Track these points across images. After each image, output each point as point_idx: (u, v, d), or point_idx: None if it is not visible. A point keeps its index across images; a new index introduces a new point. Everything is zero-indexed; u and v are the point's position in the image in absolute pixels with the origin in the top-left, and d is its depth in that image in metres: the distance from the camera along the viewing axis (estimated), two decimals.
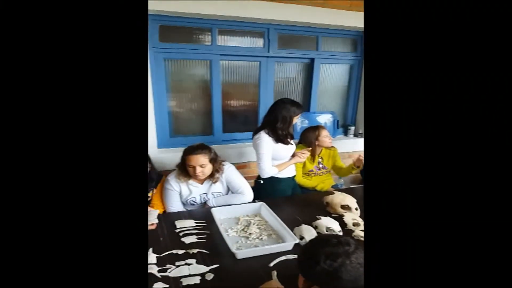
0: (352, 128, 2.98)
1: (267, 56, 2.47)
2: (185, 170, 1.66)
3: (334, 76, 2.85)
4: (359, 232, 1.40)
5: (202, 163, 1.61)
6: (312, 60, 2.66)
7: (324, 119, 2.80)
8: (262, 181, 1.89)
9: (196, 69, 2.35)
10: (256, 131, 1.88)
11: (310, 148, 2.07)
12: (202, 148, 1.65)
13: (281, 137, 1.83)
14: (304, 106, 2.79)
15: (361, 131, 2.96)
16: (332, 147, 2.25)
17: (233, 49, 2.36)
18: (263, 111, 2.40)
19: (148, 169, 1.72)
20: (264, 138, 1.79)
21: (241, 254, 1.20)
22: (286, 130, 1.86)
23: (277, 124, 1.81)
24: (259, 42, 2.44)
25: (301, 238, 1.31)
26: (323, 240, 0.80)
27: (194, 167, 1.61)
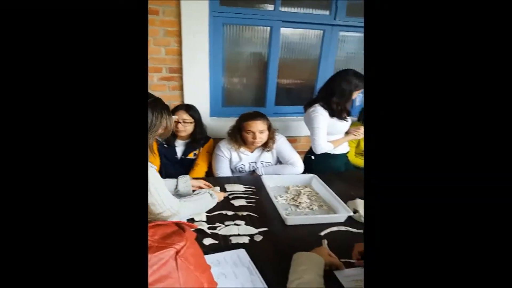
0: None
1: (333, 25, 2.31)
2: (237, 137, 1.66)
3: None
4: None
5: (261, 129, 1.61)
6: None
7: None
8: (313, 157, 1.81)
9: (255, 37, 2.26)
10: (309, 104, 1.77)
11: (361, 127, 1.89)
12: (261, 115, 1.64)
13: (336, 112, 1.70)
14: None
15: None
16: None
17: (297, 15, 2.22)
18: (321, 85, 2.29)
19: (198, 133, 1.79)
20: (320, 111, 1.68)
21: (291, 220, 1.16)
22: (342, 105, 1.72)
23: (333, 97, 1.68)
24: (325, 12, 2.29)
25: (355, 211, 1.23)
26: None
27: (254, 133, 1.60)
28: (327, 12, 2.28)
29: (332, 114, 1.70)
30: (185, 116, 1.72)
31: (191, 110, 1.76)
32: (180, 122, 1.71)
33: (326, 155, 1.77)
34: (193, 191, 1.31)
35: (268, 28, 2.23)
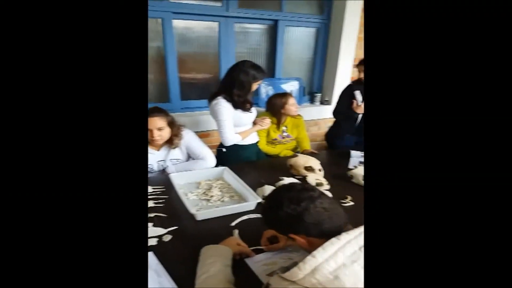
0: (319, 95, 2.96)
1: (227, 16, 2.32)
2: None
3: (299, 40, 2.77)
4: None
5: (159, 125, 1.50)
6: (276, 22, 2.55)
7: (290, 86, 2.75)
8: (224, 149, 1.82)
9: (149, 30, 2.14)
10: (212, 97, 1.74)
11: (267, 117, 1.95)
12: (158, 111, 1.53)
13: (239, 104, 1.71)
14: (269, 72, 2.71)
15: (327, 98, 2.95)
16: (298, 115, 2.21)
17: (187, 6, 2.17)
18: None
19: None
20: (223, 104, 1.67)
21: (200, 215, 1.15)
22: (243, 97, 1.72)
23: (234, 89, 1.67)
24: (217, 3, 2.28)
25: (264, 198, 1.28)
26: (288, 186, 0.77)
27: (151, 130, 1.50)
28: (219, 4, 2.29)
29: (235, 106, 1.71)
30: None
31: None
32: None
33: (237, 146, 1.80)
34: None
35: (160, 20, 2.14)
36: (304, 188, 0.74)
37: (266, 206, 0.79)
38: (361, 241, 0.62)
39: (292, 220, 0.69)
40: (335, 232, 0.66)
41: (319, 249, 0.61)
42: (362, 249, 0.61)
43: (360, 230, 0.65)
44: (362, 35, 2.73)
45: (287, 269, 0.63)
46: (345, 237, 0.63)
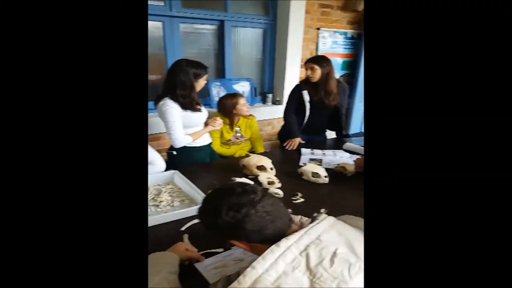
0: (270, 95, 3.01)
1: (171, 16, 2.27)
2: None
3: (248, 41, 2.79)
4: (274, 190, 1.41)
5: None
6: (222, 22, 2.54)
7: (241, 86, 2.76)
8: (175, 152, 1.76)
9: None
10: (158, 98, 1.67)
11: (218, 118, 1.91)
12: None
13: (186, 105, 1.66)
14: (219, 73, 2.70)
15: (279, 98, 3.01)
16: (251, 115, 2.22)
17: None
18: None
19: None
20: (170, 104, 1.61)
21: (148, 222, 1.10)
22: (189, 97, 1.66)
23: (177, 90, 1.62)
24: (160, 2, 2.22)
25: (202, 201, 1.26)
26: (227, 189, 0.72)
27: None
28: (161, 3, 2.23)
29: (183, 107, 1.66)
30: None
31: None
32: None
33: (188, 148, 1.75)
34: None
35: None
36: (244, 191, 0.69)
37: (203, 212, 0.74)
38: (301, 245, 0.60)
39: (231, 228, 0.66)
40: (278, 236, 0.64)
41: (259, 259, 0.58)
42: (303, 254, 0.59)
43: (300, 234, 0.63)
44: (308, 36, 2.83)
45: (228, 281, 0.60)
46: (285, 243, 0.60)
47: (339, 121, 2.24)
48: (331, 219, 0.68)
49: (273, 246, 0.59)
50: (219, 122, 1.85)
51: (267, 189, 1.38)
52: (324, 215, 0.69)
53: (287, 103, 2.20)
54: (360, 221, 0.75)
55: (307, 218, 0.91)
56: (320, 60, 2.00)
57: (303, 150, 1.98)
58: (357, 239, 0.63)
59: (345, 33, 3.12)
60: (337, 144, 2.15)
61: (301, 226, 0.67)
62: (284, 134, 2.36)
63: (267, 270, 0.56)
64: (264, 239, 0.65)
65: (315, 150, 2.00)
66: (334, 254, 0.58)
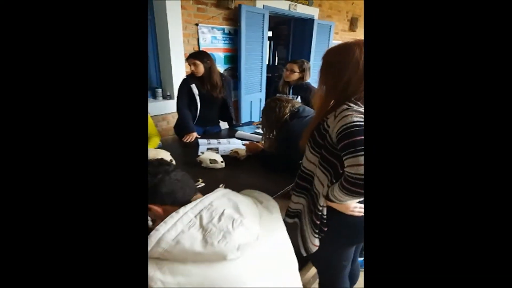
0: (160, 90, 3.02)
1: None
2: None
3: None
4: None
5: None
6: None
7: None
8: None
9: None
10: None
11: None
12: None
13: None
14: None
15: (169, 92, 3.04)
16: None
17: None
18: None
19: None
20: None
21: None
22: None
23: None
24: None
25: None
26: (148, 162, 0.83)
27: None
28: None
29: None
30: None
31: None
32: None
33: None
34: None
35: None
36: (160, 164, 0.83)
37: None
38: (196, 210, 0.74)
39: (149, 191, 0.78)
40: (186, 201, 0.78)
41: (161, 223, 0.70)
42: (197, 216, 0.73)
43: (196, 202, 0.77)
44: (187, 31, 2.93)
45: None
46: (183, 210, 0.74)
47: (229, 112, 2.42)
48: (225, 190, 0.86)
49: (173, 213, 0.73)
50: None
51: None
52: (219, 188, 0.87)
53: (178, 97, 2.25)
54: (254, 192, 0.97)
55: None
56: (201, 56, 2.13)
57: (200, 141, 2.13)
58: (243, 202, 0.82)
59: (223, 29, 3.29)
60: (230, 134, 2.35)
61: None
62: (180, 128, 2.44)
63: (168, 231, 0.69)
64: (174, 201, 0.79)
65: (211, 140, 2.16)
66: (222, 213, 0.74)
